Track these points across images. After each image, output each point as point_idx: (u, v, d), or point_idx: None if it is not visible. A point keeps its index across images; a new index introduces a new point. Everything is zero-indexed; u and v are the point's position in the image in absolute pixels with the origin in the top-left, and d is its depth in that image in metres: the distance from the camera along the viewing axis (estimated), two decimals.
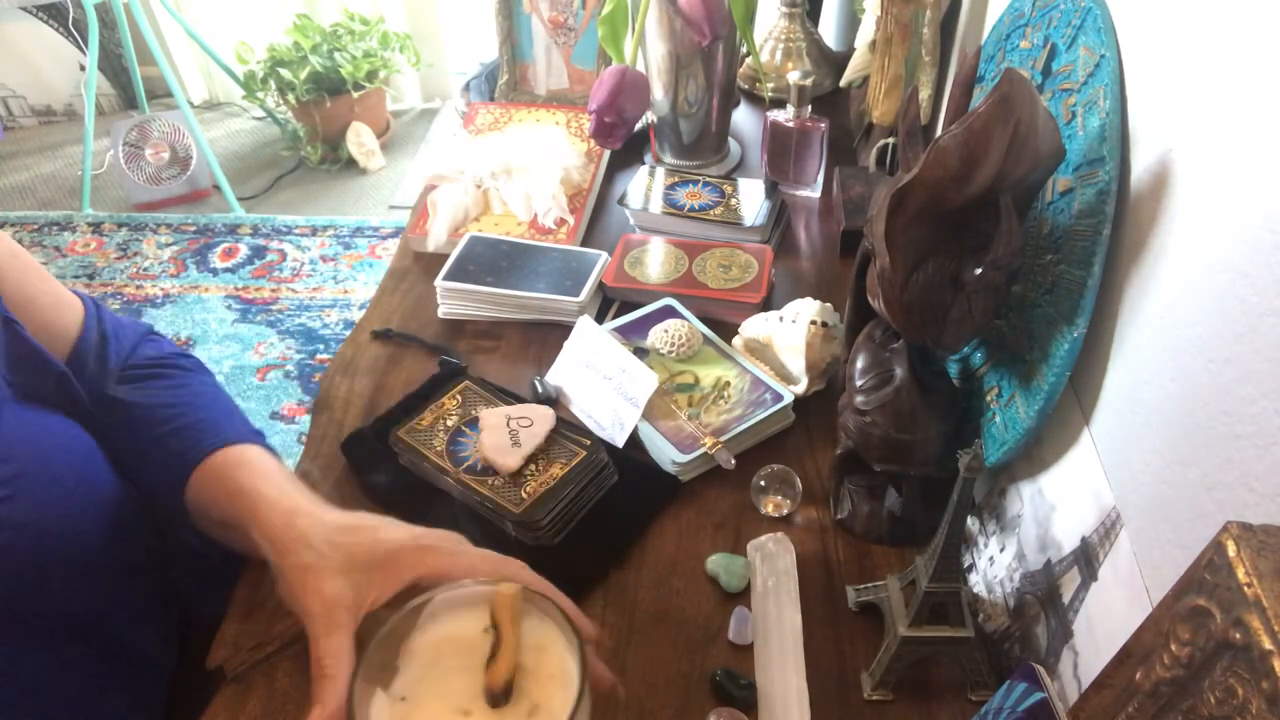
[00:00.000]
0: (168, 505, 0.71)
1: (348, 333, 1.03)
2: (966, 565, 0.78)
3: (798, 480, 0.81)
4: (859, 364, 0.75)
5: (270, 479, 0.68)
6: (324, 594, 0.59)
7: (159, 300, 2.56)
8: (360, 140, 2.99)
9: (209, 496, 0.69)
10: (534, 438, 0.81)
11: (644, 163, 1.27)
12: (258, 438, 0.74)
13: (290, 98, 2.91)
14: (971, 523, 0.79)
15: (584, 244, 1.11)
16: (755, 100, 1.41)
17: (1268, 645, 0.37)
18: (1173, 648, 0.42)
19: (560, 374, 0.93)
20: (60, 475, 0.66)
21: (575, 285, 0.99)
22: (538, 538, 0.76)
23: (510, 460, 0.79)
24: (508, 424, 0.82)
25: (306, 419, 2.03)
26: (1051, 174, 0.66)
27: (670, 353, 0.92)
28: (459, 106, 1.36)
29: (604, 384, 0.89)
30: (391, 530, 0.64)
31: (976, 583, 0.76)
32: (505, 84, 1.37)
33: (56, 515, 0.65)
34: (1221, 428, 0.50)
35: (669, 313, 0.97)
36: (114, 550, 0.70)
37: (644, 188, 1.16)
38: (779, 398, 0.87)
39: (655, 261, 1.05)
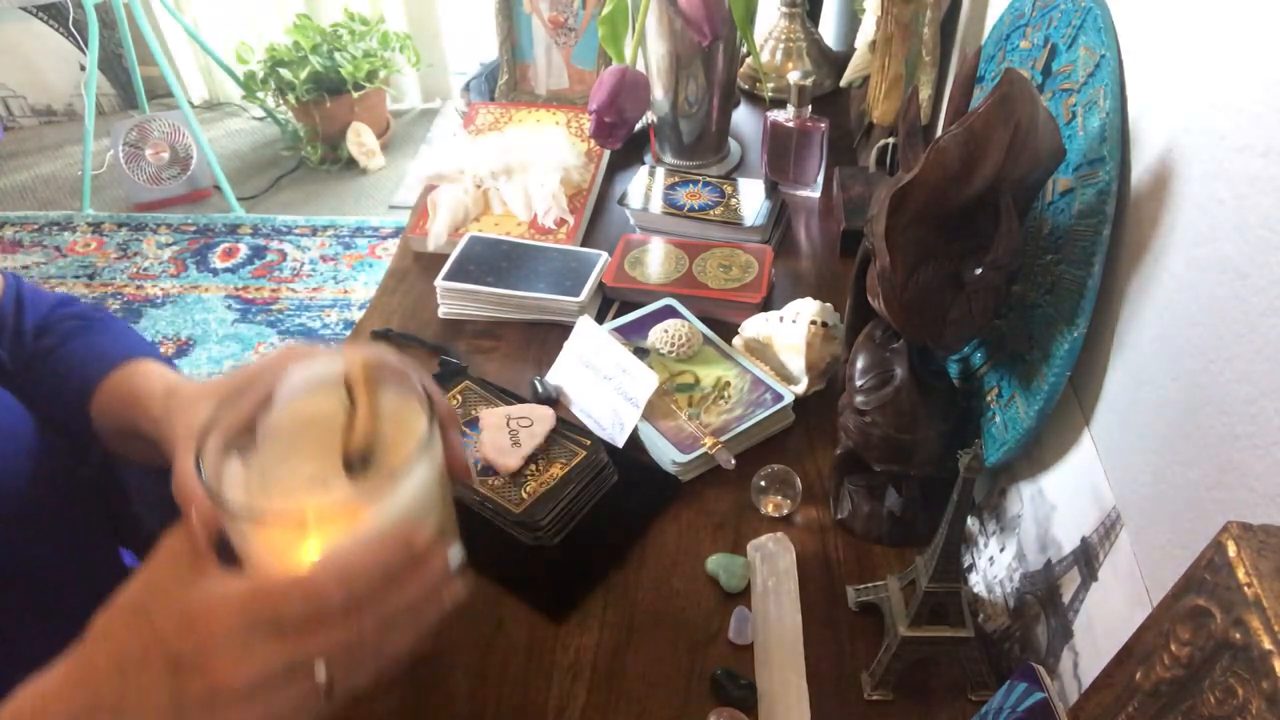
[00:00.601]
0: (83, 437, 0.71)
1: (348, 333, 1.03)
2: (966, 565, 0.78)
3: (798, 480, 0.81)
4: (859, 364, 0.75)
5: (155, 375, 0.68)
6: (189, 423, 0.58)
7: (159, 300, 2.56)
8: (360, 140, 2.99)
9: (109, 411, 0.69)
10: (534, 438, 0.81)
11: (644, 163, 1.27)
12: (154, 351, 0.74)
13: (290, 98, 2.91)
14: (971, 523, 0.79)
15: (584, 244, 1.11)
16: (755, 100, 1.41)
17: (1268, 645, 0.37)
18: (1173, 648, 0.42)
19: (560, 374, 0.93)
20: None
21: (575, 285, 0.99)
22: (538, 538, 0.76)
23: (510, 460, 0.79)
24: (508, 424, 0.82)
25: None
26: (1051, 174, 0.66)
27: (670, 353, 0.92)
28: (459, 106, 1.36)
29: (604, 384, 0.89)
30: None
31: (976, 583, 0.76)
32: (505, 84, 1.37)
33: None
34: (1221, 428, 0.50)
35: (669, 313, 0.97)
36: (51, 509, 0.69)
37: (644, 188, 1.16)
38: (779, 398, 0.87)
39: (655, 261, 1.05)
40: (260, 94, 3.01)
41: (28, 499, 0.67)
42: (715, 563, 0.76)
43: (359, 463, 0.52)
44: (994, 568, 0.74)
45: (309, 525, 0.49)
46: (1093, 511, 0.62)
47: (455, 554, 0.49)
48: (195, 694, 0.44)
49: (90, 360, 0.73)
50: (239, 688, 0.43)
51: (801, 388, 0.89)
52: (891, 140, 1.13)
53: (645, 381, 0.86)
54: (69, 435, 0.73)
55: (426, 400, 0.54)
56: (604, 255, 1.04)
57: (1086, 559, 0.62)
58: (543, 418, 0.83)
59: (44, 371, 0.74)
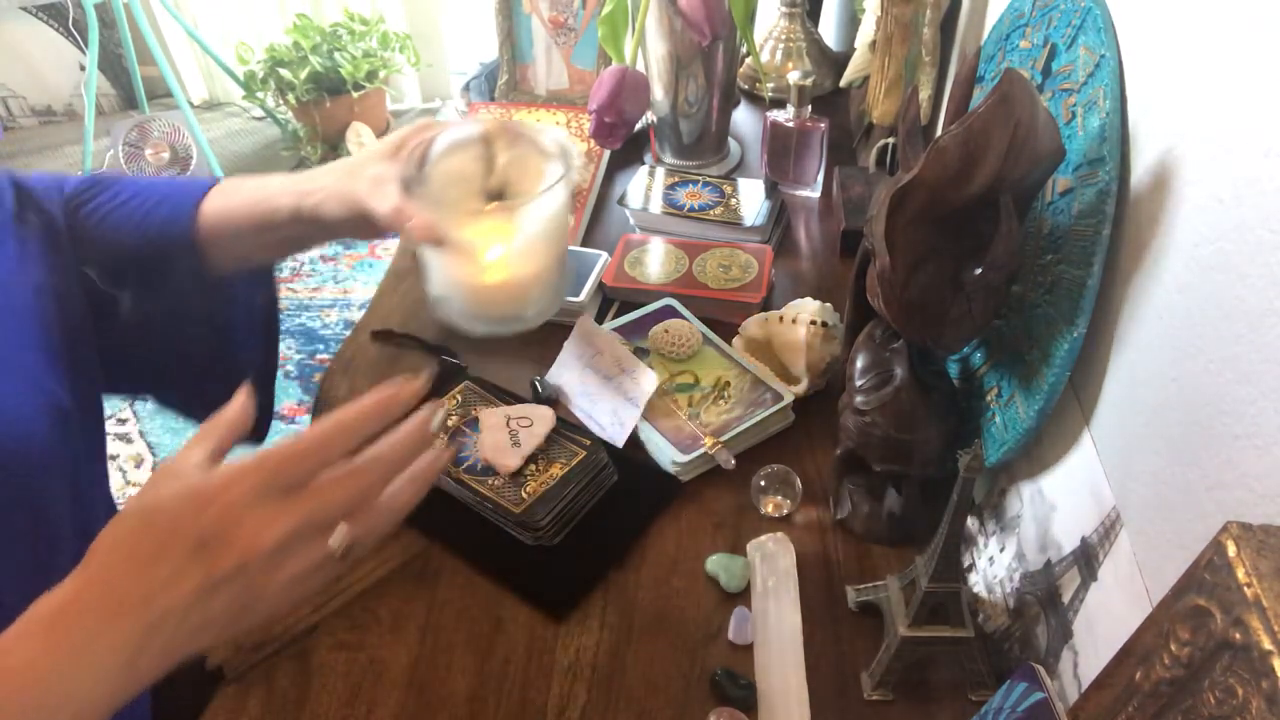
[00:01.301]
0: (178, 267, 0.77)
1: (348, 333, 1.03)
2: (966, 565, 0.78)
3: (798, 480, 0.81)
4: (859, 364, 0.75)
5: (258, 181, 0.77)
6: (369, 177, 0.70)
7: None
8: (360, 140, 2.99)
9: (228, 221, 0.76)
10: (534, 438, 0.81)
11: (644, 163, 1.27)
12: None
13: (290, 98, 2.91)
14: (971, 523, 0.79)
15: (584, 244, 1.11)
16: (755, 100, 1.41)
17: (1268, 645, 0.37)
18: (1173, 648, 0.42)
19: (560, 374, 0.93)
20: None
21: (575, 285, 0.99)
22: (538, 538, 0.76)
23: (510, 460, 0.79)
24: (508, 424, 0.82)
25: (306, 419, 2.03)
26: (1051, 174, 0.66)
27: (670, 353, 0.92)
28: (459, 106, 1.36)
29: (604, 384, 0.89)
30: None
31: (976, 583, 0.76)
32: (505, 84, 1.37)
33: None
34: (1221, 428, 0.50)
35: (669, 313, 0.97)
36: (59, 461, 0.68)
37: (644, 188, 1.16)
38: (779, 398, 0.87)
39: (655, 261, 1.05)
40: (260, 94, 3.01)
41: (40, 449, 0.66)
42: (715, 563, 0.76)
43: (499, 196, 0.68)
44: (994, 568, 0.74)
45: (487, 233, 0.67)
46: (1093, 511, 0.62)
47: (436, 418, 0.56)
48: (225, 567, 0.46)
49: (171, 198, 0.77)
50: (266, 550, 0.46)
51: (801, 388, 0.89)
52: (891, 140, 1.13)
53: (645, 381, 0.86)
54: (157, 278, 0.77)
55: (556, 146, 0.67)
56: (604, 255, 1.04)
57: (1086, 559, 0.62)
58: (543, 418, 0.83)
59: (104, 228, 0.75)
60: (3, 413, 0.63)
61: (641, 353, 0.92)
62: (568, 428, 0.83)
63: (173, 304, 0.80)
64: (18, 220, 0.71)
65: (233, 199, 0.77)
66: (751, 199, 1.13)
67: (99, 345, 0.75)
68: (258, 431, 0.86)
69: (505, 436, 0.81)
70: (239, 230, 0.77)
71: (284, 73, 2.85)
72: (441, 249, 0.68)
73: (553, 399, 0.91)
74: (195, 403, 0.87)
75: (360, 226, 0.74)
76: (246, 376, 0.82)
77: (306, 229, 0.76)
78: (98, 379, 0.76)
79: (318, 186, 0.73)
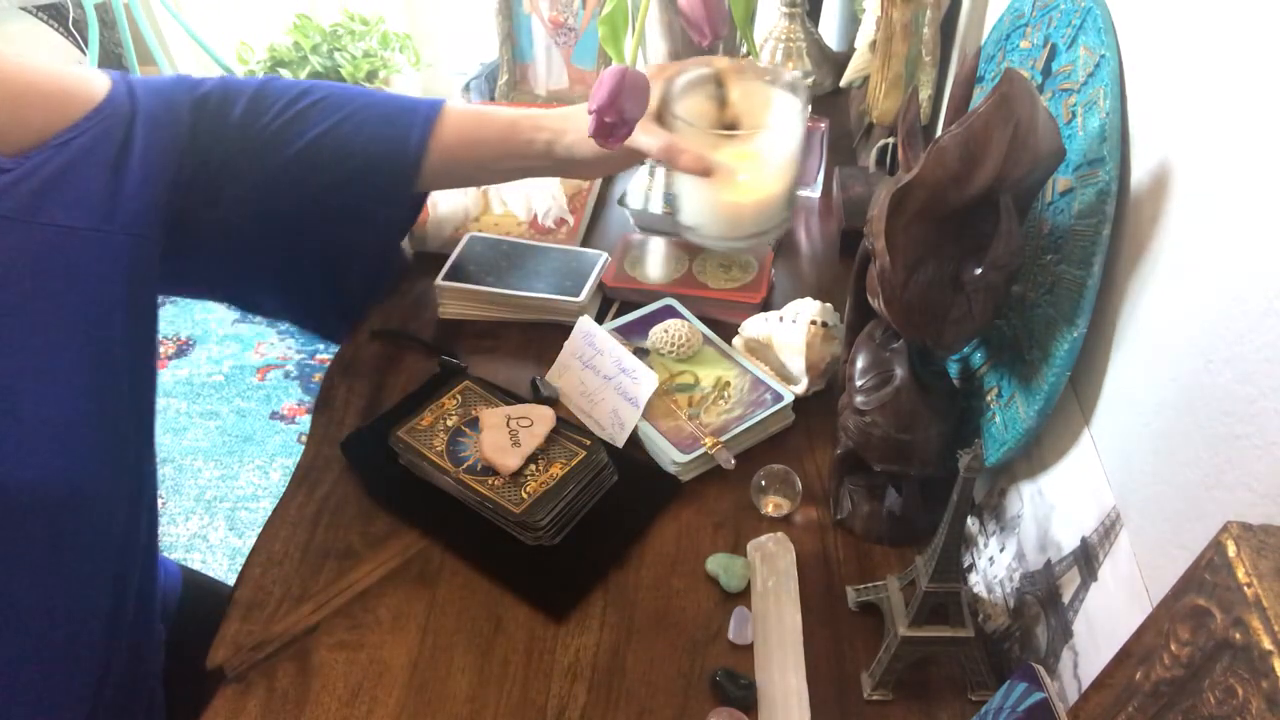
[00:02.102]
0: (383, 190, 0.83)
1: None
2: (966, 565, 0.78)
3: (798, 480, 0.81)
4: (859, 364, 0.75)
5: (498, 111, 0.86)
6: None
7: (159, 300, 2.56)
8: None
9: (458, 154, 0.83)
10: (534, 438, 0.81)
11: (644, 163, 1.27)
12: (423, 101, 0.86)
13: None
14: (971, 523, 0.79)
15: (584, 244, 1.11)
16: None
17: (1268, 645, 0.37)
18: (1173, 648, 0.42)
19: (560, 374, 0.93)
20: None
21: (575, 285, 0.99)
22: (538, 538, 0.76)
23: (510, 460, 0.79)
24: (508, 424, 0.82)
25: (306, 419, 2.03)
26: (1051, 174, 0.66)
27: (670, 353, 0.92)
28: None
29: (604, 384, 0.89)
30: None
31: (976, 583, 0.76)
32: (505, 84, 1.37)
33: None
34: (1221, 428, 0.50)
35: (669, 313, 0.97)
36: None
37: (644, 188, 1.16)
38: (779, 398, 0.87)
39: (655, 261, 1.05)
40: None
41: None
42: (715, 563, 0.76)
43: (733, 127, 0.80)
44: (994, 568, 0.74)
45: (741, 159, 0.78)
46: (1093, 511, 0.62)
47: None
48: None
49: (398, 121, 0.82)
50: None
51: (801, 388, 0.89)
52: (891, 140, 1.13)
53: (645, 381, 0.86)
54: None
55: (785, 80, 0.78)
56: (604, 255, 1.04)
57: (1086, 559, 0.62)
58: (543, 418, 0.83)
59: (318, 151, 0.78)
60: (49, 456, 0.64)
61: (641, 353, 0.92)
62: (568, 428, 0.83)
63: (346, 226, 0.84)
64: (123, 143, 0.70)
65: (480, 130, 0.83)
66: None
67: (191, 247, 0.76)
68: (342, 330, 0.94)
69: (505, 436, 0.81)
70: (481, 161, 0.84)
71: (284, 73, 2.85)
72: (703, 177, 0.78)
73: (553, 399, 0.91)
74: (291, 309, 0.92)
75: (606, 164, 0.85)
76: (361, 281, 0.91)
77: (549, 164, 0.84)
78: (151, 408, 0.76)
79: (572, 126, 0.81)
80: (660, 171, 1.19)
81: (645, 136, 0.78)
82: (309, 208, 0.81)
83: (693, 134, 0.79)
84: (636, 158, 0.86)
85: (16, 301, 0.64)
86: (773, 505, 0.81)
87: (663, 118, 0.81)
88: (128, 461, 0.71)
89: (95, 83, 0.71)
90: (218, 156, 0.76)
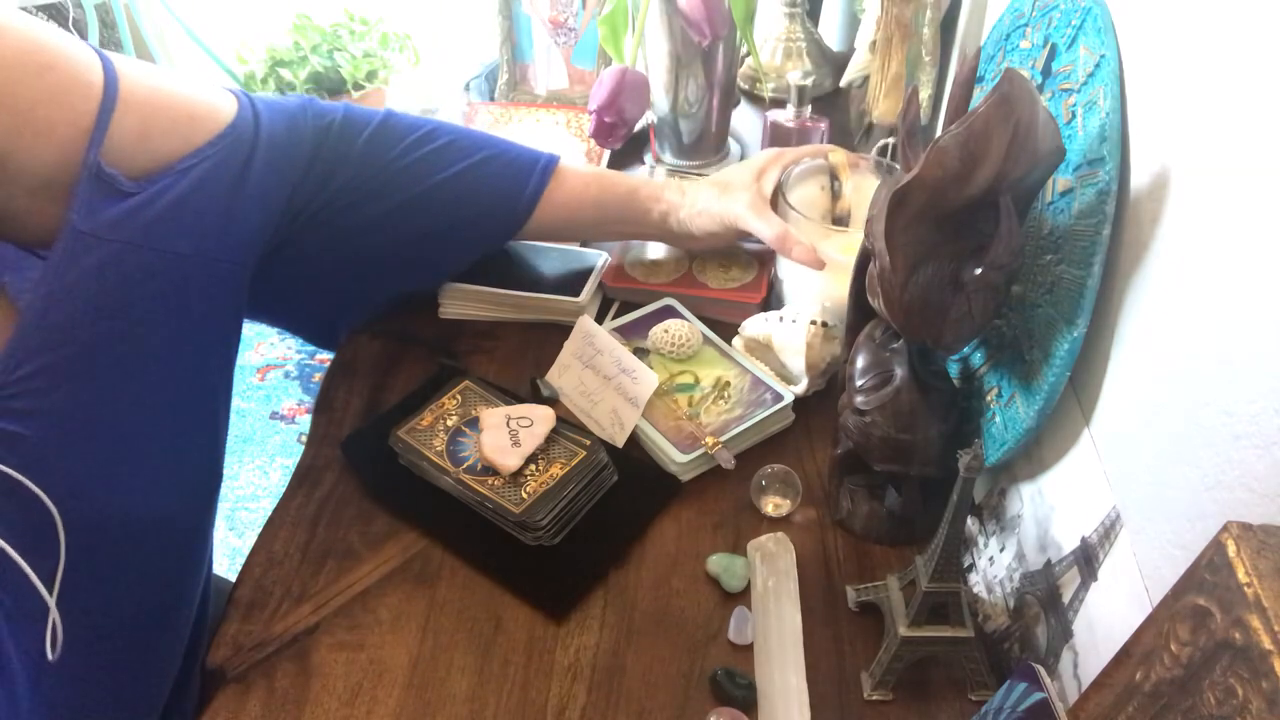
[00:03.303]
0: (496, 234, 0.88)
1: None
2: (966, 565, 0.78)
3: (798, 480, 0.81)
4: (859, 364, 0.75)
5: (619, 177, 0.91)
6: (740, 199, 0.87)
7: None
8: None
9: (569, 214, 0.87)
10: (534, 438, 0.81)
11: (644, 163, 1.27)
12: (537, 154, 0.88)
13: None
14: (971, 523, 0.79)
15: (584, 244, 1.11)
16: (755, 100, 1.41)
17: (1268, 645, 0.37)
18: (1173, 648, 0.42)
19: (560, 374, 0.93)
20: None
21: (575, 285, 0.99)
22: (538, 538, 0.76)
23: (510, 460, 0.79)
24: (508, 424, 0.82)
25: (306, 419, 2.03)
26: (1051, 174, 0.66)
27: (670, 353, 0.92)
28: (459, 106, 1.36)
29: (604, 384, 0.89)
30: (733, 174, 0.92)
31: (976, 583, 0.76)
32: (505, 84, 1.37)
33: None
34: (1221, 428, 0.50)
35: (669, 313, 0.97)
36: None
37: None
38: (779, 398, 0.87)
39: (655, 261, 1.05)
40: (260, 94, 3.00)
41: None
42: (715, 563, 0.76)
43: (846, 220, 0.91)
44: (994, 568, 0.74)
45: (848, 249, 0.83)
46: (1093, 511, 0.62)
47: None
48: None
49: (511, 167, 0.84)
50: None
51: (801, 388, 0.89)
52: (891, 140, 1.13)
53: (645, 381, 0.86)
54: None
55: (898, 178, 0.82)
56: (604, 255, 1.04)
57: (1086, 559, 0.62)
58: (543, 418, 0.83)
59: (437, 183, 0.80)
60: (150, 487, 0.66)
61: (641, 353, 0.92)
62: (568, 428, 0.83)
63: (423, 264, 0.87)
64: (242, 170, 0.70)
65: (601, 194, 0.87)
66: None
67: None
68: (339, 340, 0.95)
69: (505, 436, 0.81)
70: (593, 222, 0.88)
71: (284, 73, 2.85)
72: (814, 269, 0.86)
73: (553, 399, 0.91)
74: (301, 326, 0.92)
75: (713, 240, 0.89)
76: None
77: (659, 234, 0.89)
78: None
79: (690, 201, 0.86)
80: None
81: (759, 222, 0.83)
82: (405, 249, 0.82)
83: (806, 225, 0.87)
84: (744, 237, 0.89)
85: (128, 329, 0.63)
86: (773, 505, 0.81)
87: (776, 203, 0.86)
88: (217, 490, 0.75)
89: (223, 105, 0.70)
90: (335, 185, 0.76)
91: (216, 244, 0.68)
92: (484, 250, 0.90)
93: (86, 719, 0.68)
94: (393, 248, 0.82)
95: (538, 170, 0.84)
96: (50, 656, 0.59)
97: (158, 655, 0.74)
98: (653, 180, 0.89)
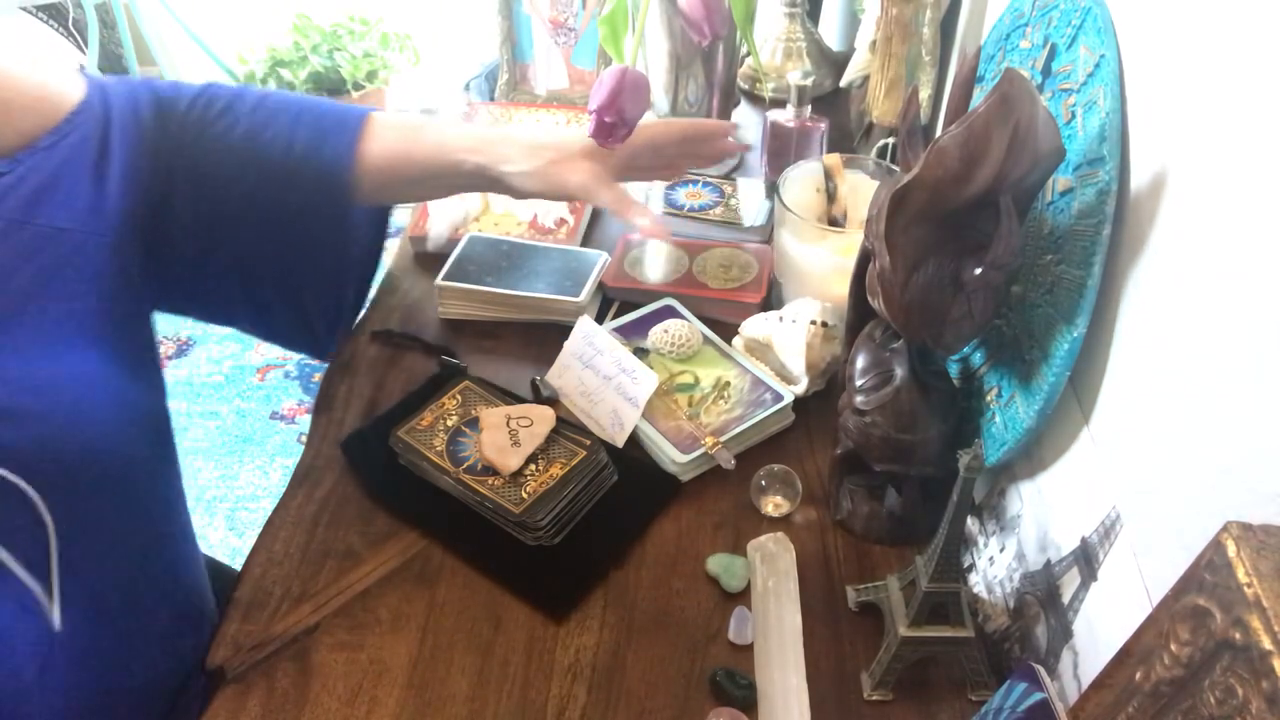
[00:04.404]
0: (318, 198, 0.80)
1: None
2: (966, 565, 0.78)
3: (798, 480, 0.81)
4: (859, 364, 0.75)
5: (433, 125, 0.84)
6: (580, 170, 0.81)
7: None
8: None
9: (387, 167, 0.81)
10: (534, 438, 0.81)
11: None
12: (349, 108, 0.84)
13: None
14: (971, 523, 0.79)
15: (584, 244, 1.11)
16: (755, 100, 1.41)
17: (1268, 645, 0.37)
18: (1173, 648, 0.42)
19: (560, 374, 0.93)
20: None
21: (575, 285, 0.99)
22: (538, 538, 0.76)
23: (510, 460, 0.79)
24: (508, 424, 0.82)
25: (306, 419, 2.03)
26: (1051, 174, 0.66)
27: (670, 353, 0.92)
28: (459, 106, 1.36)
29: (604, 384, 0.89)
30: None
31: (976, 583, 0.76)
32: (505, 84, 1.37)
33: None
34: (1221, 428, 0.50)
35: (669, 313, 0.97)
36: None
37: (644, 187, 1.16)
38: (779, 398, 0.87)
39: (655, 261, 1.05)
40: None
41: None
42: (715, 563, 0.76)
43: (841, 219, 0.93)
44: (994, 568, 0.74)
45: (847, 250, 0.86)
46: (1093, 511, 0.62)
47: None
48: None
49: (324, 123, 0.80)
50: None
51: (801, 388, 0.89)
52: (891, 140, 1.13)
53: (645, 381, 0.86)
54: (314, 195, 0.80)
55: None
56: (604, 255, 1.04)
57: (1086, 559, 0.62)
58: (543, 418, 0.83)
59: (246, 146, 0.77)
60: (97, 423, 0.65)
61: (641, 353, 0.92)
62: (568, 428, 0.83)
63: (290, 234, 0.81)
64: (101, 147, 0.70)
65: (408, 145, 0.81)
66: (751, 199, 1.13)
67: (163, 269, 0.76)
68: (326, 344, 0.91)
69: (505, 436, 0.81)
70: (411, 177, 0.82)
71: (284, 73, 2.85)
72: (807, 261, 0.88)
73: (553, 399, 0.91)
74: (264, 326, 0.89)
75: (544, 196, 0.84)
76: (329, 298, 0.87)
77: (482, 185, 0.84)
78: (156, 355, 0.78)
79: (508, 157, 0.80)
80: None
81: (604, 194, 0.82)
82: (257, 209, 0.79)
83: (802, 226, 0.89)
84: (573, 197, 0.86)
85: (18, 304, 0.64)
86: (773, 505, 0.81)
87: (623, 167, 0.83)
88: (167, 435, 0.76)
89: (71, 84, 0.72)
90: (173, 152, 0.76)
91: (93, 218, 0.69)
92: (334, 210, 0.83)
93: (97, 699, 0.68)
94: (247, 209, 0.80)
95: (350, 125, 0.81)
96: (57, 626, 0.62)
97: (158, 621, 0.74)
98: (465, 131, 0.84)
